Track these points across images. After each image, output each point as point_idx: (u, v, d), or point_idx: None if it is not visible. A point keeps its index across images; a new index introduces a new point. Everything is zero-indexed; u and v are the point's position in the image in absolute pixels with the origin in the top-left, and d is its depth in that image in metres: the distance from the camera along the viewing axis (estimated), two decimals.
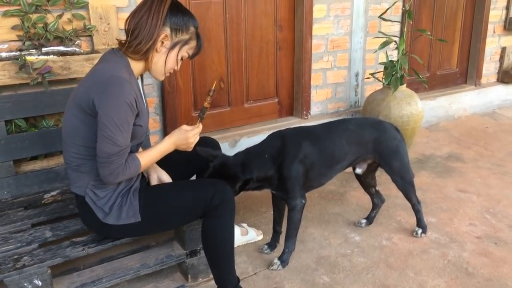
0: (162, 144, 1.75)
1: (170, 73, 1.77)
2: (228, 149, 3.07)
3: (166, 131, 2.91)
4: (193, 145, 1.81)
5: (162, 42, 1.65)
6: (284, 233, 2.24)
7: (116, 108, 1.54)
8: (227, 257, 1.77)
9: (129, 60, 1.68)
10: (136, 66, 1.69)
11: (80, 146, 1.65)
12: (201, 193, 1.71)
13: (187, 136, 1.78)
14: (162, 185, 1.80)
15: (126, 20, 1.68)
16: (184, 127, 1.80)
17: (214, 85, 1.91)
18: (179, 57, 1.72)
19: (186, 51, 1.72)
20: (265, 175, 2.05)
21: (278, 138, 2.13)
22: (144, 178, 1.89)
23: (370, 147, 2.25)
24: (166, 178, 1.90)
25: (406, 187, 2.31)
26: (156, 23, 1.62)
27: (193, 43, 1.72)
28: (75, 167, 1.69)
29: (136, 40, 1.63)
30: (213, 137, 3.02)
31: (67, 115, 1.66)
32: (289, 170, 2.05)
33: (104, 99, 1.54)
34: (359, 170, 2.37)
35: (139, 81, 1.77)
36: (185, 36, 1.68)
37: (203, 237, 1.78)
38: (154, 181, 1.89)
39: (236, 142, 3.11)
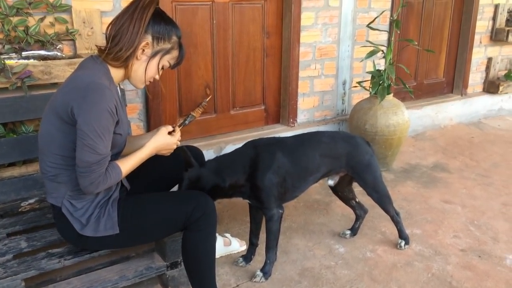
0: (144, 150, 1.72)
1: (150, 81, 1.73)
2: (214, 156, 3.03)
3: None
4: (173, 149, 1.81)
5: (143, 50, 1.61)
6: (261, 246, 2.21)
7: (97, 115, 1.50)
8: (208, 271, 1.73)
9: (109, 67, 1.63)
10: (116, 73, 1.65)
11: (57, 155, 1.60)
12: (182, 205, 1.67)
13: (169, 141, 1.76)
14: (142, 196, 1.75)
15: (108, 26, 1.64)
16: (164, 129, 1.78)
17: (208, 98, 1.89)
18: (160, 66, 1.68)
19: (167, 60, 1.68)
20: (236, 183, 2.02)
21: (251, 147, 2.11)
22: (124, 187, 1.84)
23: (343, 160, 2.23)
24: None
25: (382, 200, 2.30)
26: (138, 30, 1.58)
27: (175, 53, 1.68)
28: (52, 177, 1.64)
29: (117, 46, 1.59)
30: (198, 144, 3.05)
31: (44, 122, 1.62)
32: (262, 180, 2.02)
33: (84, 107, 1.49)
34: (331, 182, 2.37)
35: (118, 89, 1.73)
36: (167, 45, 1.64)
37: (183, 251, 1.73)
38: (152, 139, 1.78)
39: (221, 150, 3.07)
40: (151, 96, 2.76)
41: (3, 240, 1.83)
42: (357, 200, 2.49)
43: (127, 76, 1.69)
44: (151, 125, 2.84)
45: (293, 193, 2.17)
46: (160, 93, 2.83)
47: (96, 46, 1.68)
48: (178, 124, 1.85)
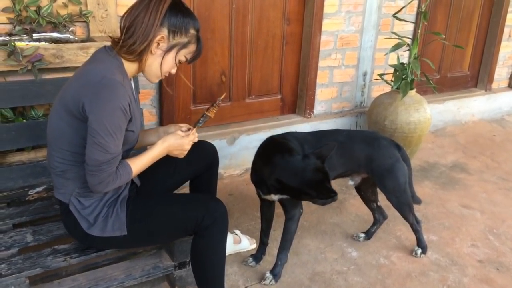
0: (155, 149, 1.63)
1: (165, 76, 1.64)
2: (226, 147, 2.96)
3: (162, 124, 2.78)
4: (186, 152, 1.70)
5: (158, 44, 1.51)
6: (271, 244, 2.14)
7: (108, 113, 1.42)
8: (217, 278, 1.68)
9: (123, 60, 1.54)
10: (130, 67, 1.56)
11: (66, 151, 1.53)
12: (192, 211, 1.59)
13: (182, 142, 1.67)
14: (151, 198, 1.68)
15: (122, 16, 1.54)
16: (180, 132, 1.69)
17: (222, 96, 1.79)
18: (176, 61, 1.58)
19: (183, 55, 1.58)
20: None
21: (295, 140, 2.02)
22: (134, 185, 1.77)
23: (362, 162, 2.14)
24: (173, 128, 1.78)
25: (401, 207, 2.20)
26: (153, 22, 1.48)
27: (192, 47, 1.58)
28: (60, 173, 1.57)
29: (131, 39, 1.49)
30: (211, 133, 2.97)
31: (53, 117, 1.54)
32: None
33: (96, 104, 1.41)
34: (351, 182, 2.28)
35: (132, 82, 1.64)
36: (184, 39, 1.54)
37: (192, 256, 1.67)
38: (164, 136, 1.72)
39: (234, 139, 2.99)
40: (166, 83, 2.66)
41: (9, 232, 1.78)
42: (378, 203, 2.39)
43: (141, 70, 1.60)
44: (163, 111, 2.76)
45: None
46: (174, 79, 2.73)
47: (110, 37, 1.58)
48: (193, 126, 1.76)
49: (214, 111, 1.75)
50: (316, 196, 1.81)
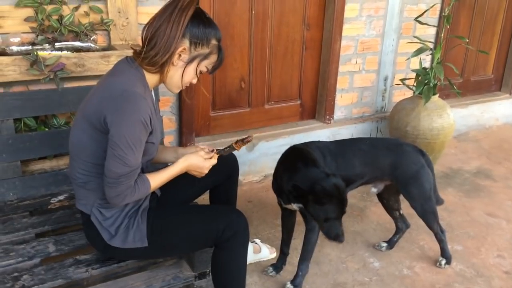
0: (176, 167, 1.63)
1: (186, 86, 1.63)
2: (245, 153, 2.94)
3: (182, 131, 2.78)
4: (204, 174, 1.70)
5: (180, 55, 1.50)
6: (291, 253, 2.12)
7: (129, 127, 1.41)
8: None
9: (144, 72, 1.54)
10: (151, 78, 1.56)
11: (88, 162, 1.53)
12: (213, 223, 1.58)
13: (203, 165, 1.67)
14: (172, 209, 1.68)
15: (144, 27, 1.53)
16: (202, 153, 1.68)
17: (255, 134, 1.76)
18: (198, 71, 1.57)
19: (205, 65, 1.57)
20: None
21: (318, 149, 2.00)
22: (154, 195, 1.76)
23: (386, 170, 2.10)
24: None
25: (426, 215, 2.15)
26: (175, 34, 1.46)
27: (213, 58, 1.56)
28: (82, 184, 1.57)
29: (153, 51, 1.48)
30: (231, 139, 2.95)
31: (75, 128, 1.54)
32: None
33: (118, 117, 1.41)
34: (374, 190, 2.23)
35: (153, 93, 1.63)
36: (205, 50, 1.53)
37: (212, 268, 1.66)
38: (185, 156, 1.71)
39: (254, 146, 2.97)
40: (185, 92, 2.64)
41: (31, 241, 1.79)
42: (401, 212, 2.35)
43: (162, 81, 1.59)
44: (183, 118, 2.75)
45: None
46: (194, 86, 2.73)
47: (132, 48, 1.58)
48: (216, 151, 1.74)
49: (242, 146, 1.73)
50: (322, 219, 1.77)
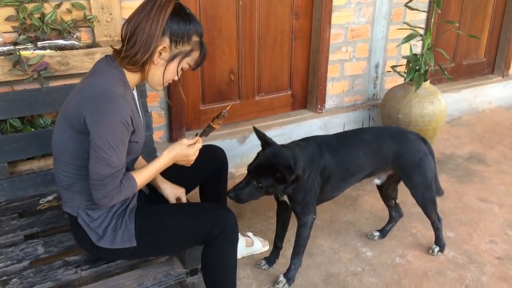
0: (160, 160, 1.61)
1: (169, 83, 1.61)
2: (237, 146, 2.93)
3: (171, 126, 2.76)
4: (193, 161, 1.68)
5: (160, 54, 1.48)
6: (284, 246, 2.12)
7: (110, 128, 1.39)
8: (228, 286, 1.65)
9: (125, 71, 1.51)
10: (132, 77, 1.53)
11: (71, 164, 1.52)
12: (201, 221, 1.57)
13: (188, 152, 1.64)
14: (160, 208, 1.67)
15: (124, 24, 1.50)
16: (185, 141, 1.65)
17: (228, 107, 1.74)
18: (179, 69, 1.55)
19: (187, 62, 1.54)
20: (302, 177, 1.88)
21: (309, 144, 1.98)
22: (142, 193, 1.75)
23: (390, 158, 2.08)
24: (181, 192, 1.82)
25: (426, 204, 2.15)
26: (154, 33, 1.43)
27: (195, 54, 1.54)
28: (67, 186, 1.56)
29: (132, 50, 1.45)
30: (222, 132, 2.94)
31: (56, 130, 1.52)
32: (313, 181, 1.90)
33: (97, 118, 1.39)
34: (377, 181, 2.22)
35: (135, 92, 1.61)
36: (186, 48, 1.50)
37: (202, 266, 1.66)
38: (167, 192, 1.80)
39: (245, 138, 2.95)
40: (172, 103, 2.63)
41: (20, 244, 1.78)
42: (397, 201, 2.35)
43: (143, 79, 1.57)
44: (172, 113, 2.73)
45: (331, 194, 2.07)
46: (182, 81, 2.70)
47: (111, 46, 1.55)
48: (197, 135, 1.73)
49: (220, 122, 1.71)
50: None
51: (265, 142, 1.87)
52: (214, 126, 1.69)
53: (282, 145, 1.93)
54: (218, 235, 1.56)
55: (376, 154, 2.08)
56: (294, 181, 1.84)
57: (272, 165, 1.79)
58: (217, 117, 1.69)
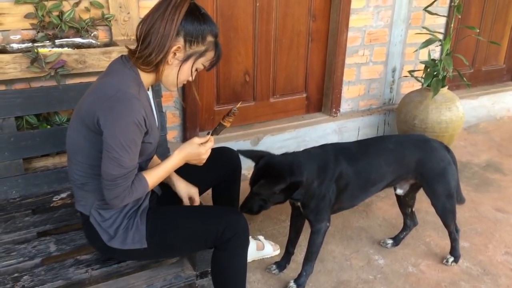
0: (171, 160, 1.60)
1: (184, 84, 1.60)
2: (250, 148, 2.91)
3: (186, 126, 2.76)
4: (205, 160, 1.67)
5: (175, 54, 1.47)
6: (295, 251, 2.11)
7: (123, 128, 1.39)
8: None
9: (139, 71, 1.51)
10: (146, 78, 1.53)
11: (84, 164, 1.52)
12: (212, 224, 1.56)
13: (199, 151, 1.63)
14: (171, 210, 1.66)
15: (139, 25, 1.50)
16: (196, 140, 1.64)
17: (238, 104, 1.73)
18: (194, 69, 1.54)
19: (201, 63, 1.53)
20: (311, 184, 1.86)
21: (323, 151, 1.95)
22: (154, 194, 1.75)
23: (412, 167, 2.04)
24: (194, 192, 1.81)
25: (446, 214, 2.10)
26: (169, 33, 1.43)
27: (210, 55, 1.53)
28: (80, 185, 1.56)
29: (147, 50, 1.45)
30: (235, 133, 2.93)
31: (71, 130, 1.53)
32: (327, 188, 1.88)
33: (110, 118, 1.39)
34: (400, 191, 2.17)
35: (150, 92, 1.61)
36: (201, 48, 1.49)
37: (212, 269, 1.65)
38: (181, 190, 1.80)
39: (258, 140, 2.94)
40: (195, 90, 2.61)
41: (33, 241, 1.79)
42: (413, 209, 2.30)
43: (158, 80, 1.56)
44: (187, 113, 2.73)
45: (350, 203, 2.04)
46: (197, 82, 2.70)
47: (126, 46, 1.55)
48: (208, 133, 1.72)
49: (230, 120, 1.70)
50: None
51: (255, 156, 1.84)
52: (225, 124, 1.69)
53: (285, 153, 1.92)
54: (228, 239, 1.55)
55: (399, 163, 2.04)
56: (295, 188, 1.82)
57: (264, 175, 1.78)
58: (227, 114, 1.68)
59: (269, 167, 1.83)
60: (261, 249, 2.22)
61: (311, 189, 1.86)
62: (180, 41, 1.45)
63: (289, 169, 1.81)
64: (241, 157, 2.04)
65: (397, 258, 2.27)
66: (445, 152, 2.08)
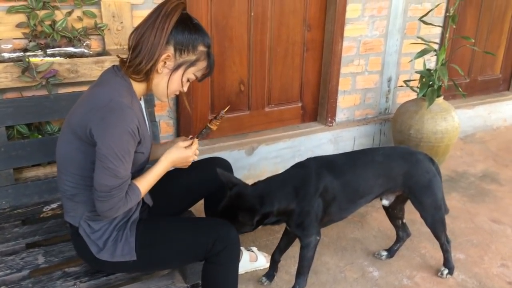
0: (160, 165, 1.59)
1: (176, 94, 1.59)
2: (245, 157, 2.90)
3: (179, 135, 2.74)
4: (191, 162, 1.68)
5: (164, 63, 1.46)
6: (286, 262, 2.09)
7: (116, 138, 1.38)
8: None
9: (131, 81, 1.50)
10: (138, 87, 1.52)
11: (76, 175, 1.50)
12: (202, 237, 1.54)
13: (186, 155, 1.64)
14: (161, 222, 1.64)
15: (130, 35, 1.49)
16: (181, 144, 1.64)
17: (226, 109, 1.72)
18: (184, 79, 1.53)
19: (192, 73, 1.52)
20: (286, 208, 1.85)
21: (302, 168, 1.94)
22: (145, 206, 1.73)
23: (400, 180, 2.03)
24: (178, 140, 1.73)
25: (436, 225, 2.09)
26: (159, 41, 1.42)
27: (201, 65, 1.52)
28: (70, 196, 1.54)
29: (137, 59, 1.44)
30: (229, 143, 2.91)
31: (62, 141, 1.51)
32: (310, 204, 1.86)
33: (103, 128, 1.37)
34: (386, 202, 2.16)
35: (142, 102, 1.59)
36: (191, 57, 1.48)
37: (203, 282, 1.62)
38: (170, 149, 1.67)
39: (253, 150, 2.92)
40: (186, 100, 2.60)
41: (21, 252, 1.77)
42: (404, 221, 2.28)
43: (149, 90, 1.55)
44: (181, 122, 2.72)
45: (339, 215, 2.01)
46: (191, 91, 2.69)
47: (118, 56, 1.54)
48: (195, 136, 1.71)
49: (217, 123, 1.70)
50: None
51: (230, 182, 1.81)
52: (212, 127, 1.69)
53: (257, 182, 1.89)
54: (219, 251, 1.53)
55: (387, 175, 2.03)
56: (266, 217, 1.80)
57: (234, 208, 1.76)
58: (214, 118, 1.69)
59: (241, 198, 1.79)
60: (254, 260, 2.20)
61: (288, 211, 1.84)
62: (170, 50, 1.45)
63: (260, 201, 1.79)
64: (233, 168, 2.03)
65: (392, 270, 2.24)
66: (430, 164, 2.07)
